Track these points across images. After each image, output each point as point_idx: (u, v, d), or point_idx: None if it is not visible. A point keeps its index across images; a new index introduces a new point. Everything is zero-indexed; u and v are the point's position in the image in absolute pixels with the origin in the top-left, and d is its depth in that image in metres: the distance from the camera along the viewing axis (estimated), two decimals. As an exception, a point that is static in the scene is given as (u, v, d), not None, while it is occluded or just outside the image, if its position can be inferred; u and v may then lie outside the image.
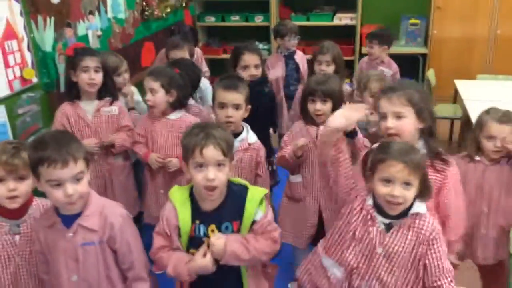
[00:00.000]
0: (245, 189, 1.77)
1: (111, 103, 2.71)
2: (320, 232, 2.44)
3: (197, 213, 1.73)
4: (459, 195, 2.01)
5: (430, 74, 4.59)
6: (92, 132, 2.65)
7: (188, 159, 1.69)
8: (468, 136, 2.35)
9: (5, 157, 1.74)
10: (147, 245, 1.85)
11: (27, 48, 2.68)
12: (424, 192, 1.69)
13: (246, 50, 2.91)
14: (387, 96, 1.92)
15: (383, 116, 1.93)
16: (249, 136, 2.37)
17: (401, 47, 5.43)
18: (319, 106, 2.38)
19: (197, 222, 1.73)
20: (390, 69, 3.91)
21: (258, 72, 2.90)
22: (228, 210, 1.73)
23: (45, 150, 1.58)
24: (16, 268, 1.84)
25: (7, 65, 2.53)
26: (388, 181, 1.64)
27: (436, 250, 1.69)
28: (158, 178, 2.71)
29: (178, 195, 1.77)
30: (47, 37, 2.81)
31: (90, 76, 2.58)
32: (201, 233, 1.73)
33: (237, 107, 2.30)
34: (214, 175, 1.64)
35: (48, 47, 2.82)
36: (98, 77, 2.62)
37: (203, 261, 1.68)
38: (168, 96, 2.60)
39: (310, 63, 3.32)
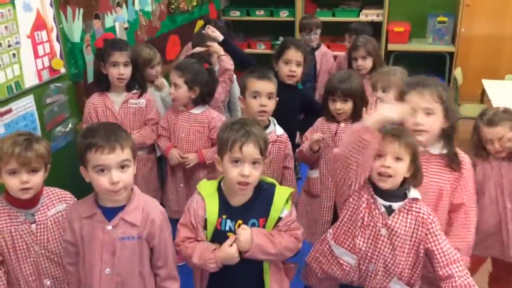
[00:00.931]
0: (272, 187, 1.78)
1: (140, 96, 2.74)
2: None
3: (224, 207, 1.74)
4: (472, 201, 1.99)
5: (457, 73, 4.51)
6: (118, 123, 2.66)
7: (224, 153, 1.70)
8: (472, 140, 2.37)
9: (18, 150, 1.74)
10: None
11: (56, 39, 2.72)
12: (415, 175, 1.75)
13: (292, 45, 2.87)
14: (418, 91, 1.88)
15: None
16: (277, 129, 2.39)
17: (428, 45, 5.34)
18: (339, 106, 2.39)
19: (224, 216, 1.74)
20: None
21: (298, 70, 2.85)
22: (256, 207, 1.74)
23: (93, 137, 1.62)
24: (36, 257, 1.87)
25: (36, 55, 2.57)
26: (380, 156, 1.70)
27: (436, 233, 1.72)
28: (178, 172, 2.74)
29: (207, 188, 1.78)
30: (75, 28, 2.84)
31: (119, 71, 2.62)
32: (227, 227, 1.74)
33: (270, 96, 2.32)
34: (249, 172, 1.66)
35: (76, 38, 2.85)
36: (127, 72, 2.65)
37: (229, 250, 1.69)
38: (190, 93, 2.62)
39: (348, 61, 3.27)
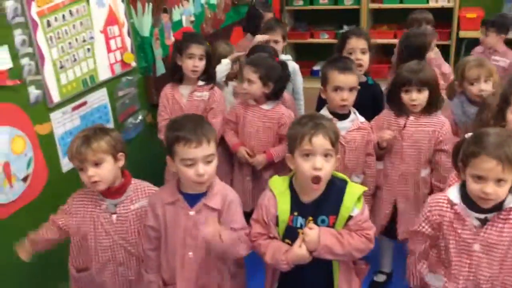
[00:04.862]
0: (344, 183, 1.75)
1: (211, 88, 2.76)
2: (392, 222, 2.44)
3: (296, 204, 1.74)
4: None
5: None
6: None
7: (294, 149, 1.69)
8: None
9: (75, 148, 1.82)
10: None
11: (127, 33, 2.81)
12: None
13: (353, 34, 2.80)
14: None
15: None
16: (358, 116, 2.37)
17: (503, 32, 5.03)
18: (415, 96, 2.29)
19: (295, 213, 1.74)
20: (507, 59, 3.60)
21: (364, 58, 2.75)
22: (326, 204, 1.73)
23: (181, 130, 1.68)
24: (113, 245, 1.94)
25: (109, 50, 2.67)
26: (480, 177, 1.54)
27: None
28: (246, 166, 2.74)
29: (278, 185, 1.78)
30: (145, 22, 2.92)
31: (194, 63, 2.66)
32: (298, 224, 1.73)
33: (352, 89, 2.29)
34: (321, 164, 1.64)
35: (146, 32, 2.93)
36: (202, 65, 2.69)
37: (300, 250, 1.69)
38: (264, 88, 2.60)
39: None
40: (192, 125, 1.69)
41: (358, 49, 2.75)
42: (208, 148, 1.69)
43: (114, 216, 1.93)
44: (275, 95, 2.65)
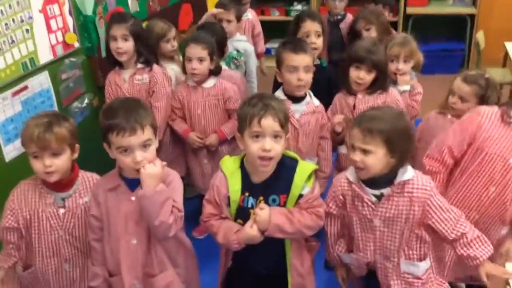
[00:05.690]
0: (295, 163, 1.76)
1: (150, 70, 2.67)
2: None
3: (246, 184, 1.74)
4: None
5: (480, 36, 4.37)
6: None
7: (244, 129, 1.69)
8: None
9: (37, 133, 1.73)
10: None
11: (69, 12, 2.67)
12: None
13: (307, 17, 2.79)
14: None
15: None
16: (313, 100, 2.38)
17: (449, 7, 5.17)
18: (362, 75, 2.33)
19: (246, 194, 1.74)
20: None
21: (318, 41, 2.76)
22: (277, 183, 1.74)
23: (114, 118, 1.62)
24: (58, 240, 1.87)
25: (49, 30, 2.53)
26: (352, 147, 1.69)
27: (434, 206, 1.68)
28: (201, 150, 2.71)
29: (229, 165, 1.78)
30: (87, 0, 2.78)
31: (117, 45, 2.57)
32: (249, 204, 1.74)
33: (307, 69, 2.28)
34: (270, 146, 1.64)
35: (89, 11, 2.79)
36: (126, 46, 2.59)
37: (251, 231, 1.70)
38: (211, 64, 2.57)
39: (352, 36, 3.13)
40: (124, 112, 1.63)
41: (313, 32, 2.75)
42: (143, 135, 1.64)
43: (62, 210, 1.85)
44: (218, 70, 2.63)
